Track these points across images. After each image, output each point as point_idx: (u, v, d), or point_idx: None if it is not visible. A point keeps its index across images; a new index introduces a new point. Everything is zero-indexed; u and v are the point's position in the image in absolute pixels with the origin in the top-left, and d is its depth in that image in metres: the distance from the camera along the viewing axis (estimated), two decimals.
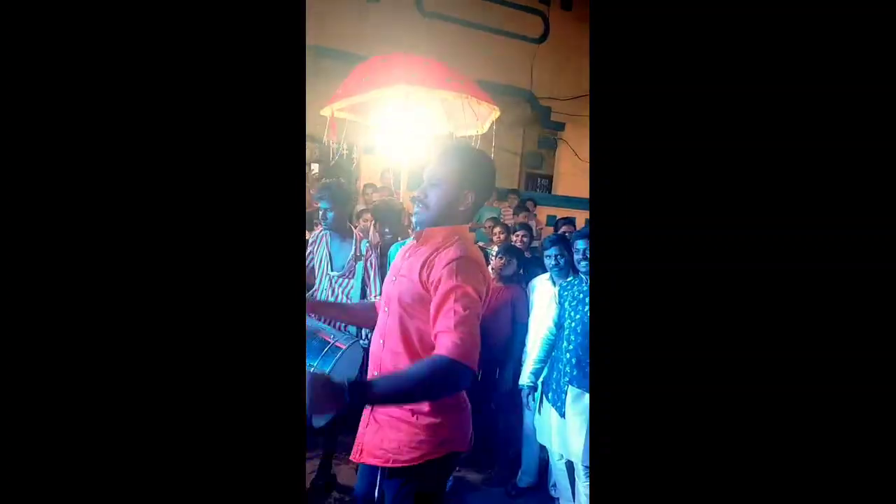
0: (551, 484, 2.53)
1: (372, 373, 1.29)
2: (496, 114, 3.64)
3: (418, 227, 1.28)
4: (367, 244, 2.45)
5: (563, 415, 2.15)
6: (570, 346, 2.18)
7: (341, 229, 2.39)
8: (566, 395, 2.15)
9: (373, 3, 6.06)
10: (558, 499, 2.46)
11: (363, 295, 2.41)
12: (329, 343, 1.94)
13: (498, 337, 2.65)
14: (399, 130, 3.73)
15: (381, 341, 1.26)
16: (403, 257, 1.30)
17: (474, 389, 1.93)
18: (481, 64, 6.15)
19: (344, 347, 1.95)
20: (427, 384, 1.04)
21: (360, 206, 4.11)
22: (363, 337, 2.20)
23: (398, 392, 1.04)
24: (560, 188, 7.29)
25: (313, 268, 2.45)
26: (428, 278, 1.16)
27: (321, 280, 2.41)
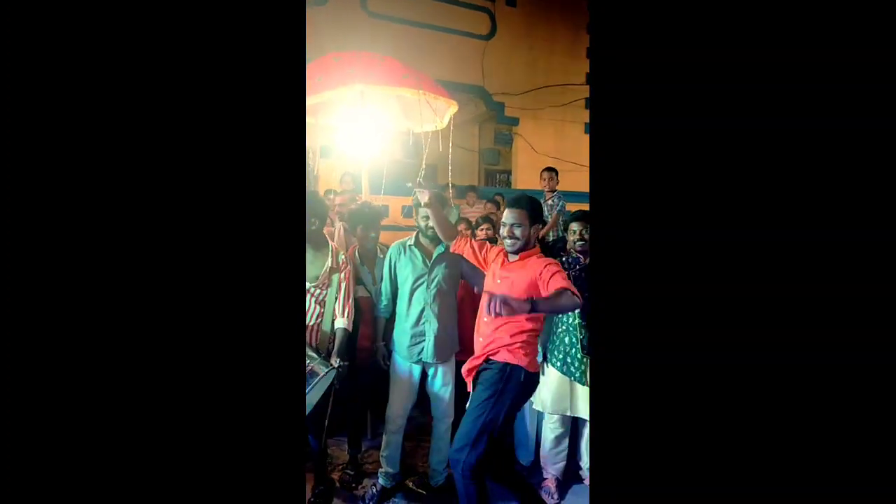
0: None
1: (477, 339, 2.05)
2: (454, 108, 3.61)
3: (512, 250, 1.98)
4: (343, 256, 2.39)
5: (583, 382, 2.35)
6: (579, 321, 2.35)
7: (314, 240, 2.31)
8: (585, 364, 2.33)
9: (318, 6, 5.94)
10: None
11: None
12: (306, 367, 1.88)
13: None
14: (355, 130, 3.65)
15: (486, 319, 2.02)
16: (507, 269, 1.99)
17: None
18: (431, 63, 6.12)
19: (321, 374, 1.88)
20: (566, 302, 1.72)
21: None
22: (337, 365, 2.16)
23: (555, 306, 1.73)
24: (519, 182, 7.36)
25: None
26: (540, 276, 1.87)
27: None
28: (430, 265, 2.35)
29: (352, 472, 2.59)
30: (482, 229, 3.58)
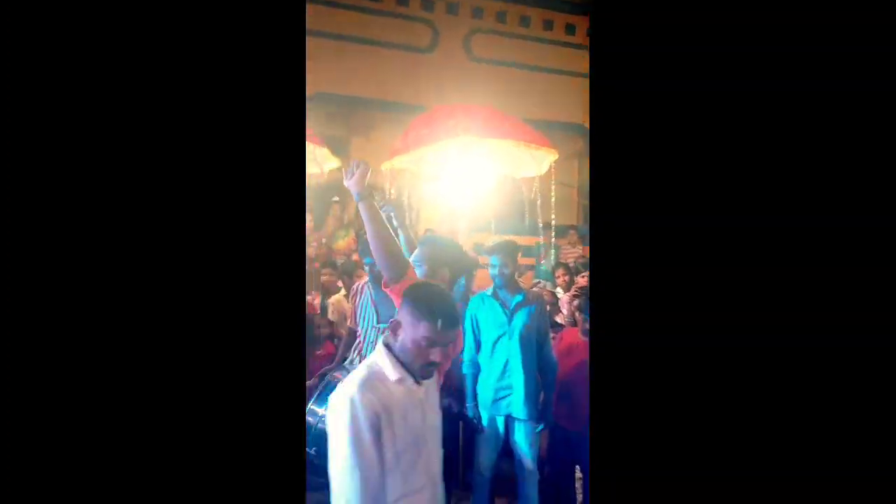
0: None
1: None
2: (553, 156, 3.63)
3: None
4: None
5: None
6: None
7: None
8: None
9: (425, 54, 6.32)
10: None
11: None
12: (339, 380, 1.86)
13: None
14: (457, 178, 3.80)
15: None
16: None
17: None
18: (532, 103, 6.19)
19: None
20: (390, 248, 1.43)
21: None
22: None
23: (379, 227, 1.40)
24: None
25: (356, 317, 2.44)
26: None
27: (367, 332, 2.35)
28: (509, 314, 2.28)
29: None
30: (583, 276, 3.41)
